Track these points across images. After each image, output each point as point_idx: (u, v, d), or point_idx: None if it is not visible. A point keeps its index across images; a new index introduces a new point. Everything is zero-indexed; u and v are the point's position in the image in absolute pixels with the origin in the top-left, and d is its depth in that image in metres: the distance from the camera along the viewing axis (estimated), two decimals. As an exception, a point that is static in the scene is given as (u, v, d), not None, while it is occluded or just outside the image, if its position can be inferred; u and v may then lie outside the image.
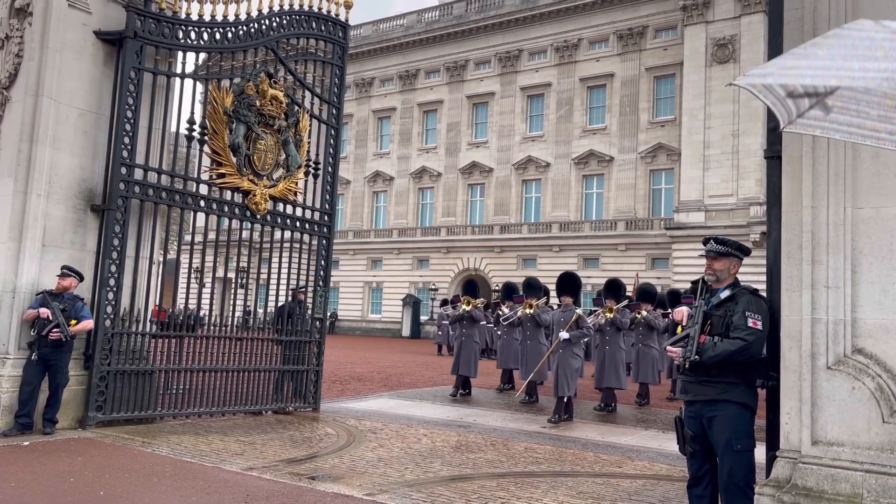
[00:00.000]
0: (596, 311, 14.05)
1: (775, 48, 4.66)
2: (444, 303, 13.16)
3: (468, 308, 13.47)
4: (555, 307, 12.37)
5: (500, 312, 14.09)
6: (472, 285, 14.33)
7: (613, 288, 12.78)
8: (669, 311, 13.72)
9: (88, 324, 7.86)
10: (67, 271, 7.80)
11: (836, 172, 4.28)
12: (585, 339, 11.04)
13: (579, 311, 10.32)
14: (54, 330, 7.45)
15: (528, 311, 12.39)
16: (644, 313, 13.44)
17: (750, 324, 4.22)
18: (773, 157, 4.72)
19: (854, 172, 4.25)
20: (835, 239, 4.25)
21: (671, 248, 35.09)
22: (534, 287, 13.11)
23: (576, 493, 6.06)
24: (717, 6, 35.22)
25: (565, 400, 10.38)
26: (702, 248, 4.61)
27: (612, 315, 11.83)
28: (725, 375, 4.27)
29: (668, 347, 4.51)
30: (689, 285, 11.46)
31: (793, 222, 4.42)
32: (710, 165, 34.47)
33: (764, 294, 4.58)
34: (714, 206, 34.17)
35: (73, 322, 7.62)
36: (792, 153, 4.47)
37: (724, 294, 4.41)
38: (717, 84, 34.07)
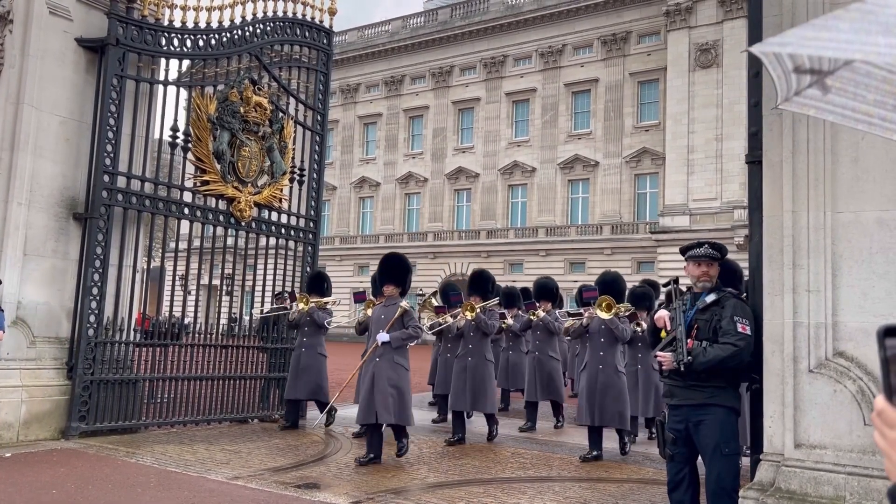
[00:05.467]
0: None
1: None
2: (279, 296, 8.89)
3: (305, 308, 9.50)
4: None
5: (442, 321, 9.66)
6: (318, 279, 10.11)
7: (478, 282, 9.63)
8: (581, 309, 9.92)
9: None
10: None
11: (816, 177, 4.32)
12: (412, 343, 8.03)
13: (405, 304, 7.73)
14: None
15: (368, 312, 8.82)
16: (541, 314, 10.37)
17: (739, 329, 4.25)
18: (754, 161, 4.76)
19: (833, 177, 4.30)
20: (815, 243, 4.29)
21: (656, 251, 35.24)
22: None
23: (563, 499, 6.06)
24: (700, 12, 35.50)
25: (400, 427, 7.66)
26: (687, 253, 4.65)
27: (472, 316, 8.84)
28: (714, 380, 4.30)
29: (658, 353, 4.51)
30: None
31: (774, 227, 4.46)
32: (694, 169, 34.68)
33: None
34: (698, 209, 34.37)
35: None
36: (772, 158, 4.51)
37: (710, 298, 4.44)
38: (700, 89, 34.33)
